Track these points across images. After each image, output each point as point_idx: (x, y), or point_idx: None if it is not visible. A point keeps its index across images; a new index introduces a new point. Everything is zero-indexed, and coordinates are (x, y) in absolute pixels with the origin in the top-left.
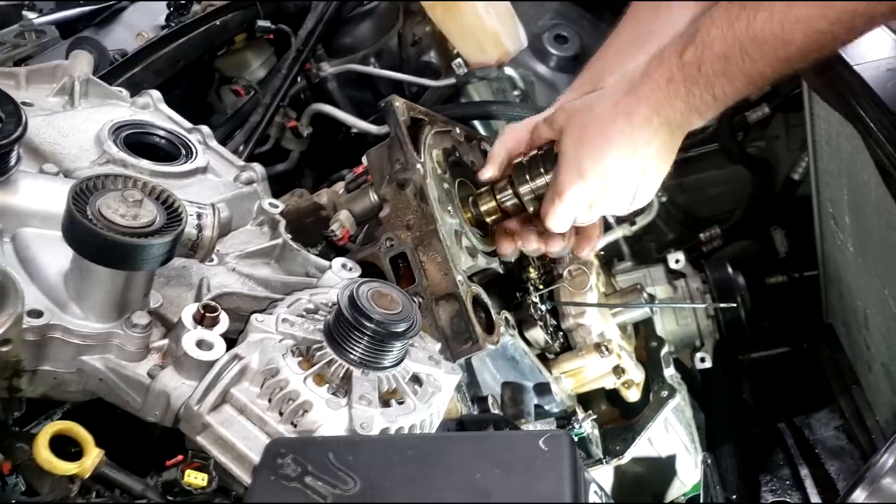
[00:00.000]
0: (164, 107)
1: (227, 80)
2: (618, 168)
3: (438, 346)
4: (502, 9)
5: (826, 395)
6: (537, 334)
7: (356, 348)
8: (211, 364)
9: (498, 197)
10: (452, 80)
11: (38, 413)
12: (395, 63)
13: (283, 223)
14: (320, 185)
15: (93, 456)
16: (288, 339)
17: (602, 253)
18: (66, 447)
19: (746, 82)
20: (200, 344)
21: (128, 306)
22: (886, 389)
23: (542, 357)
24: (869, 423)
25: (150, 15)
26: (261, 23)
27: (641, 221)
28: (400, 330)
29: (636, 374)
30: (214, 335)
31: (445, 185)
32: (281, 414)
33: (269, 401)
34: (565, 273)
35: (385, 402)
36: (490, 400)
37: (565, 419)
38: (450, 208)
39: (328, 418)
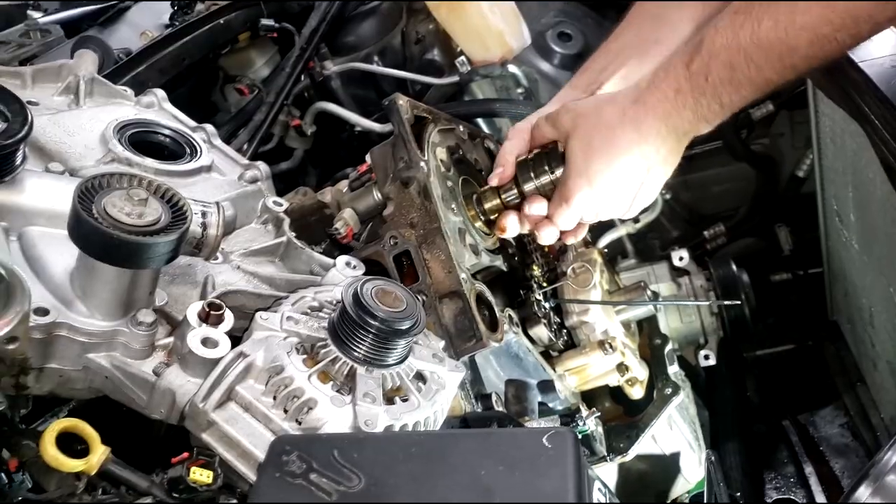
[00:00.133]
0: (168, 105)
1: (232, 79)
2: (626, 175)
3: (442, 343)
4: (506, 7)
5: (831, 393)
6: (541, 332)
7: (360, 346)
8: (216, 362)
9: (503, 195)
10: (456, 78)
11: (44, 410)
12: (398, 61)
13: (287, 221)
14: (324, 183)
15: (99, 453)
16: (292, 336)
17: (606, 250)
18: (72, 444)
19: (753, 89)
20: (205, 342)
21: (133, 304)
22: (891, 387)
23: (546, 354)
24: (874, 421)
25: (154, 14)
26: (264, 21)
27: (645, 219)
28: (404, 327)
29: (640, 371)
30: (219, 333)
31: (449, 183)
32: (286, 411)
33: (274, 398)
34: (569, 271)
35: (389, 400)
36: (494, 397)
37: (569, 416)
38: (453, 206)
39: (333, 415)
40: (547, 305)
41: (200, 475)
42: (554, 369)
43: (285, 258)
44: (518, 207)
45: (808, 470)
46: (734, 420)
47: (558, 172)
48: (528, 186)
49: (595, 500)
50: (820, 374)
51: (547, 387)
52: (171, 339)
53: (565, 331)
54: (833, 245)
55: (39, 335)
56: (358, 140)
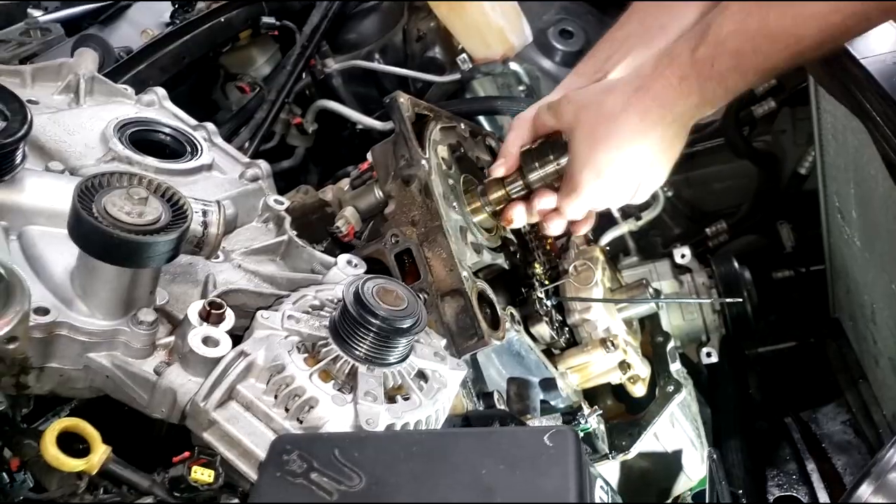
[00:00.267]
0: (169, 104)
1: (232, 77)
2: (633, 163)
3: (444, 342)
4: (507, 4)
5: (833, 390)
6: (543, 330)
7: (362, 344)
8: (217, 361)
9: (507, 186)
10: (457, 76)
11: (45, 410)
12: (399, 59)
13: (288, 220)
14: (325, 181)
15: (100, 452)
16: (293, 335)
17: (608, 248)
18: (73, 444)
19: (759, 76)
20: (206, 341)
21: (134, 303)
22: (893, 384)
23: (548, 352)
24: (876, 418)
25: (154, 12)
26: (265, 19)
27: (647, 216)
28: (405, 326)
29: (642, 369)
30: (220, 332)
31: (450, 181)
32: (287, 410)
33: (275, 397)
34: (571, 269)
35: (390, 398)
36: (496, 396)
37: (571, 415)
38: (455, 204)
39: (334, 414)
40: (549, 303)
41: (202, 474)
42: (556, 367)
43: (286, 257)
44: (523, 198)
45: (811, 467)
46: (736, 417)
47: (562, 161)
48: (533, 176)
49: (597, 499)
50: (822, 371)
51: (549, 385)
52: (171, 338)
53: (567, 329)
54: (835, 242)
55: (40, 335)
56: (359, 138)
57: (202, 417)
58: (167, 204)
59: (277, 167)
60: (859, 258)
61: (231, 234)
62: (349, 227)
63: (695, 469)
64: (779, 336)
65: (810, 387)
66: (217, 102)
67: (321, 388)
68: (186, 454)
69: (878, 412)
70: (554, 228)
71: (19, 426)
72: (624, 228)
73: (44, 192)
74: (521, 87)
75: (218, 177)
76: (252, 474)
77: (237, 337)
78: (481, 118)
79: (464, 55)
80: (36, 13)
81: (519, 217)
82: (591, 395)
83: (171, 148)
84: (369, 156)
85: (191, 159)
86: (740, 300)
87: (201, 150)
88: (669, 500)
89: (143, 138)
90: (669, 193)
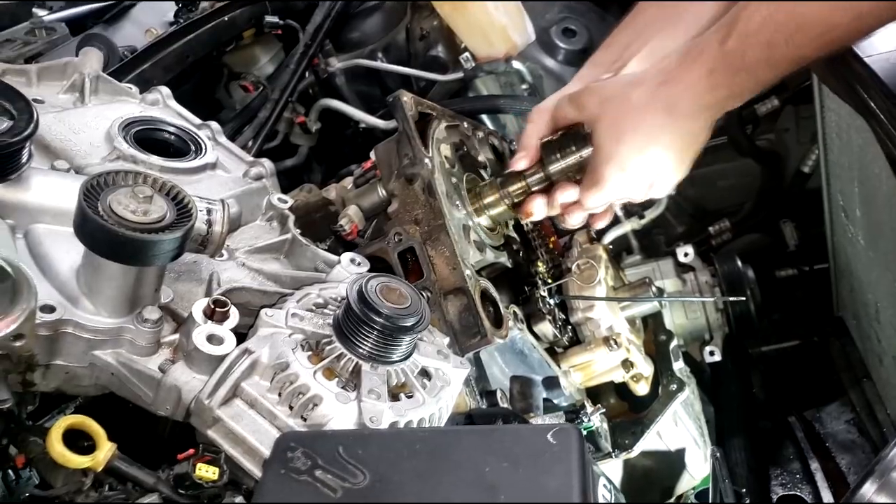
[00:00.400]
0: (173, 103)
1: (236, 76)
2: (659, 157)
3: (447, 340)
4: (510, 3)
5: (836, 389)
6: (546, 328)
7: (365, 343)
8: (221, 358)
9: (528, 178)
10: (460, 75)
11: (51, 407)
12: (402, 58)
13: (292, 218)
14: (329, 180)
15: (105, 450)
16: (297, 333)
17: (611, 247)
18: (78, 441)
19: (790, 66)
20: (211, 338)
21: (139, 301)
22: None
23: (551, 351)
24: (880, 417)
25: (158, 11)
26: (269, 18)
27: (650, 215)
28: (408, 324)
29: (645, 367)
30: (225, 330)
31: (454, 180)
32: (291, 408)
33: (280, 395)
34: (574, 267)
35: (394, 396)
36: (499, 394)
37: (574, 413)
38: (458, 202)
39: (338, 412)
40: (552, 302)
41: (206, 471)
42: (559, 366)
43: (290, 255)
44: (543, 190)
45: (814, 466)
46: (739, 416)
47: (584, 153)
48: (554, 168)
49: (600, 497)
50: (825, 370)
51: (552, 383)
52: (176, 336)
53: (570, 327)
54: (839, 241)
55: (46, 332)
56: (362, 137)
57: (206, 415)
58: (172, 202)
59: (281, 166)
60: (863, 257)
61: (235, 233)
62: (352, 226)
63: (698, 468)
64: (782, 335)
65: (814, 386)
66: (221, 101)
67: (325, 386)
68: (191, 451)
69: (881, 411)
70: (574, 221)
71: (25, 423)
72: (627, 227)
73: (50, 191)
74: (524, 86)
75: (222, 175)
76: (256, 472)
77: (241, 335)
78: (484, 117)
79: (467, 54)
80: (41, 13)
81: (539, 210)
82: (595, 394)
83: (175, 147)
84: (372, 154)
85: (195, 158)
86: (743, 299)
87: (205, 148)
88: (672, 499)
89: (148, 137)
90: (673, 192)
